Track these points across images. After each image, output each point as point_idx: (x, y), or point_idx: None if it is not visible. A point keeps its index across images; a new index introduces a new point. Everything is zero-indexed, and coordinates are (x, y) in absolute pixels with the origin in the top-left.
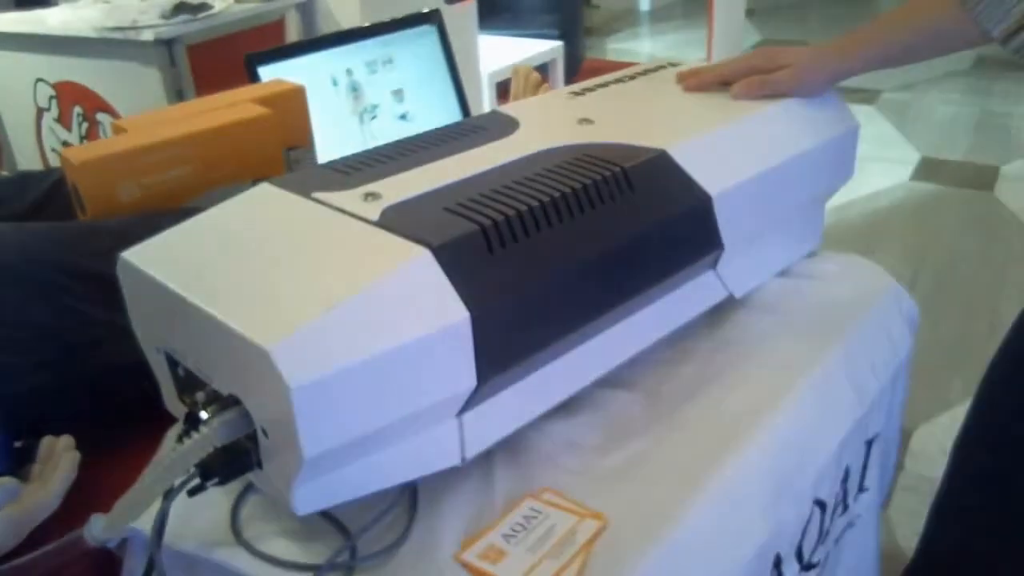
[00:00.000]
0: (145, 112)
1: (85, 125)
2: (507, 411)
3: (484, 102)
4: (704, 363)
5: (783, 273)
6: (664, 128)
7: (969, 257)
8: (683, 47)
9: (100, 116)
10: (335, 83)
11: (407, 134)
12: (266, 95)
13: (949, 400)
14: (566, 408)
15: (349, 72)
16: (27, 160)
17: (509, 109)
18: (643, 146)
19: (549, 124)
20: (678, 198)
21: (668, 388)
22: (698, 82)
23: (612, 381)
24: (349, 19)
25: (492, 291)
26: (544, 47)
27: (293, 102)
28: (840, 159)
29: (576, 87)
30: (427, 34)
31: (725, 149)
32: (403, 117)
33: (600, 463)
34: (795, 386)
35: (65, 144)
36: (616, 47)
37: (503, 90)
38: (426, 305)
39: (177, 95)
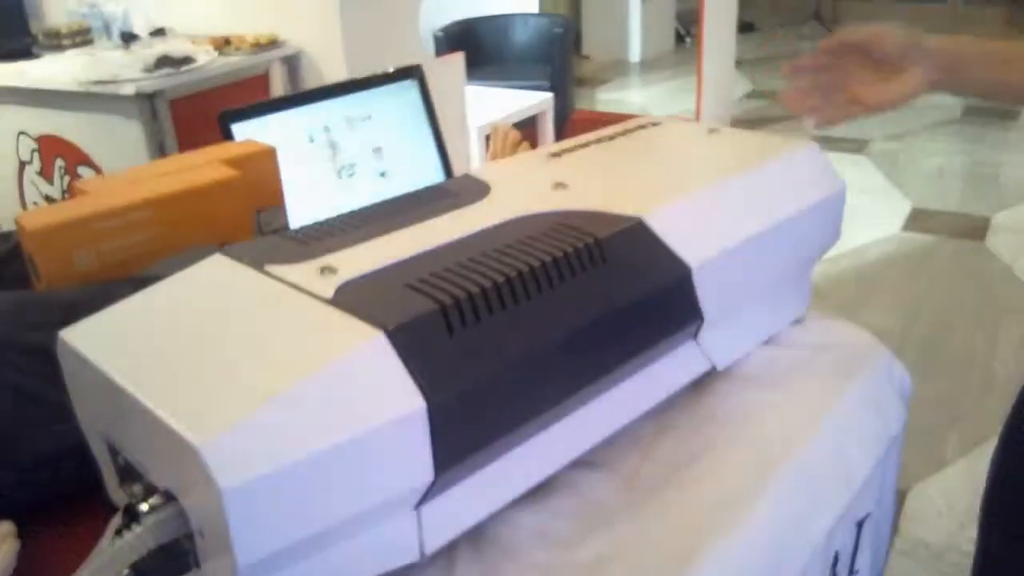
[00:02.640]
0: (109, 174)
1: (67, 178)
2: (470, 501)
3: (473, 153)
4: (684, 441)
5: (769, 341)
6: (642, 193)
7: (962, 309)
8: (672, 98)
9: (82, 169)
10: (312, 140)
11: (386, 191)
12: (236, 156)
13: (944, 459)
14: (536, 493)
15: (327, 129)
16: (9, 214)
17: (483, 172)
18: (618, 214)
19: (522, 189)
20: (655, 270)
21: (647, 469)
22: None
23: (586, 462)
24: (335, 72)
25: (451, 376)
26: (534, 99)
27: (263, 163)
28: (826, 222)
29: (555, 147)
30: (408, 89)
31: (706, 216)
32: (382, 174)
33: (573, 557)
34: (781, 466)
35: (47, 197)
36: (606, 97)
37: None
38: (378, 393)
39: (159, 148)
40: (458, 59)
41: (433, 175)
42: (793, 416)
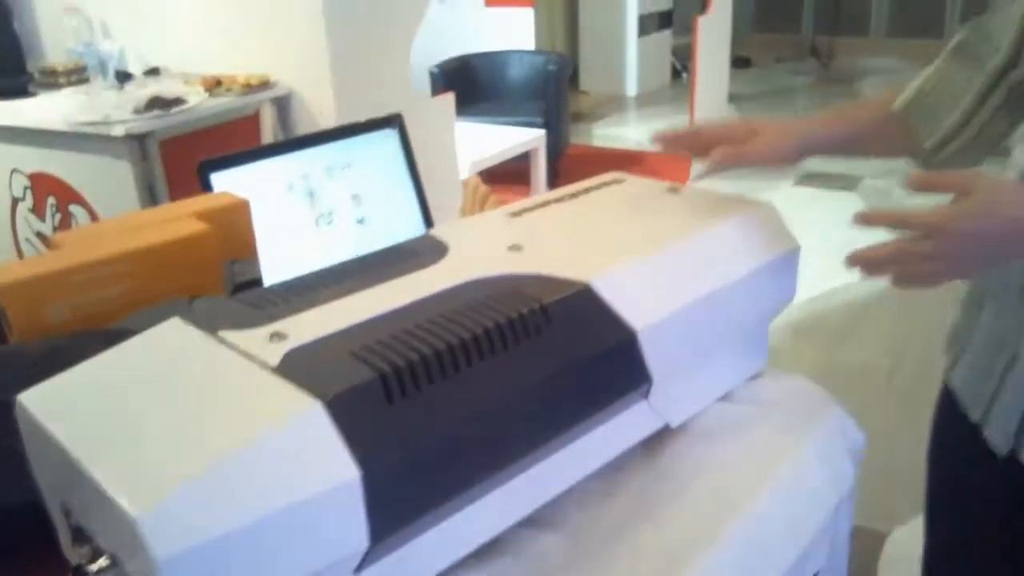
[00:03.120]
0: (84, 227)
1: (58, 216)
2: (412, 563)
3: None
4: (636, 497)
5: (725, 397)
6: (593, 256)
7: None
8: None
9: (73, 208)
10: (291, 188)
11: (365, 238)
12: (210, 209)
13: None
14: (480, 553)
15: (305, 177)
16: (2, 249)
17: (443, 232)
18: (567, 279)
19: (477, 251)
20: (600, 335)
21: (597, 526)
22: (673, 136)
23: (534, 520)
24: (325, 113)
25: (389, 445)
26: (526, 136)
27: (237, 216)
28: (780, 281)
29: (516, 206)
30: (388, 138)
31: (654, 279)
32: (361, 221)
33: None
34: (731, 522)
35: (39, 234)
36: (602, 132)
37: (483, 177)
38: (313, 463)
39: (148, 188)
40: (448, 99)
41: (412, 222)
42: (745, 472)
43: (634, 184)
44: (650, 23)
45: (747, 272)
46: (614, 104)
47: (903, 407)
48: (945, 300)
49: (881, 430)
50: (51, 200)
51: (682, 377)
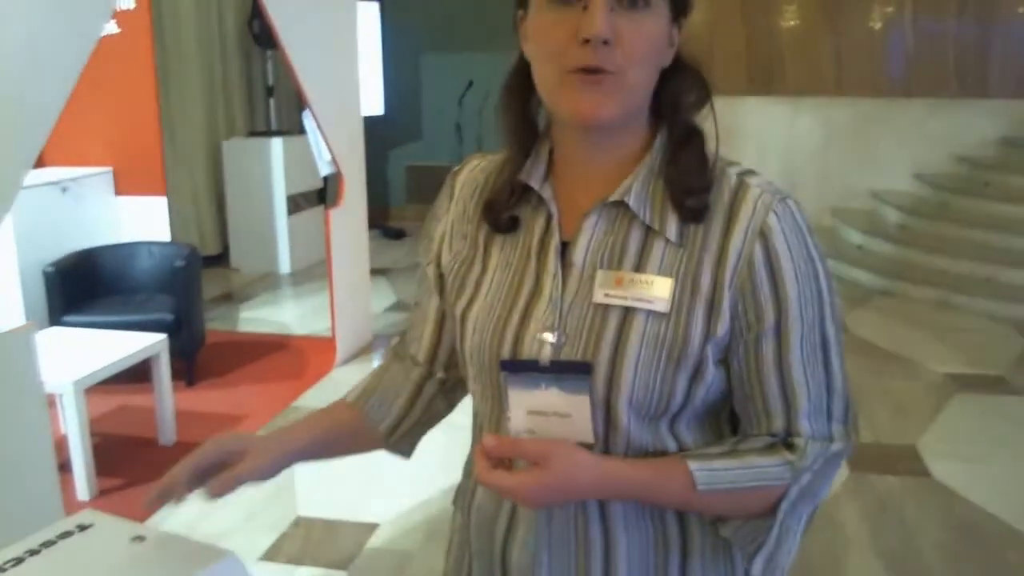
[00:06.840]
0: None
1: None
2: None
3: (71, 419)
4: None
5: None
6: None
7: None
8: (318, 312)
9: None
10: None
11: None
12: None
13: None
14: None
15: None
16: None
17: None
18: None
19: None
20: None
21: None
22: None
23: None
24: None
25: None
26: (144, 342)
27: None
28: None
29: None
30: None
31: None
32: None
33: None
34: None
35: None
36: (251, 315)
37: (100, 384)
38: None
39: None
40: (27, 332)
41: None
42: None
43: (100, 530)
44: (302, 201)
45: None
46: (267, 282)
47: None
48: None
49: None
50: None
51: None
